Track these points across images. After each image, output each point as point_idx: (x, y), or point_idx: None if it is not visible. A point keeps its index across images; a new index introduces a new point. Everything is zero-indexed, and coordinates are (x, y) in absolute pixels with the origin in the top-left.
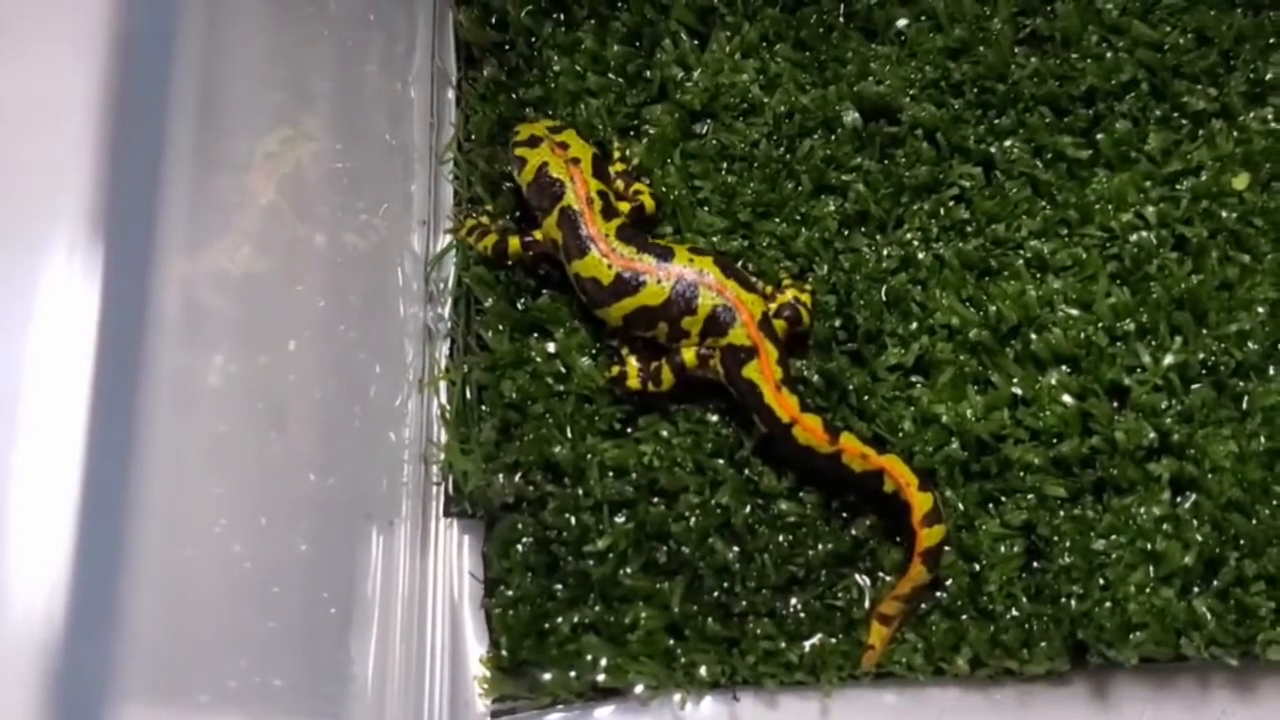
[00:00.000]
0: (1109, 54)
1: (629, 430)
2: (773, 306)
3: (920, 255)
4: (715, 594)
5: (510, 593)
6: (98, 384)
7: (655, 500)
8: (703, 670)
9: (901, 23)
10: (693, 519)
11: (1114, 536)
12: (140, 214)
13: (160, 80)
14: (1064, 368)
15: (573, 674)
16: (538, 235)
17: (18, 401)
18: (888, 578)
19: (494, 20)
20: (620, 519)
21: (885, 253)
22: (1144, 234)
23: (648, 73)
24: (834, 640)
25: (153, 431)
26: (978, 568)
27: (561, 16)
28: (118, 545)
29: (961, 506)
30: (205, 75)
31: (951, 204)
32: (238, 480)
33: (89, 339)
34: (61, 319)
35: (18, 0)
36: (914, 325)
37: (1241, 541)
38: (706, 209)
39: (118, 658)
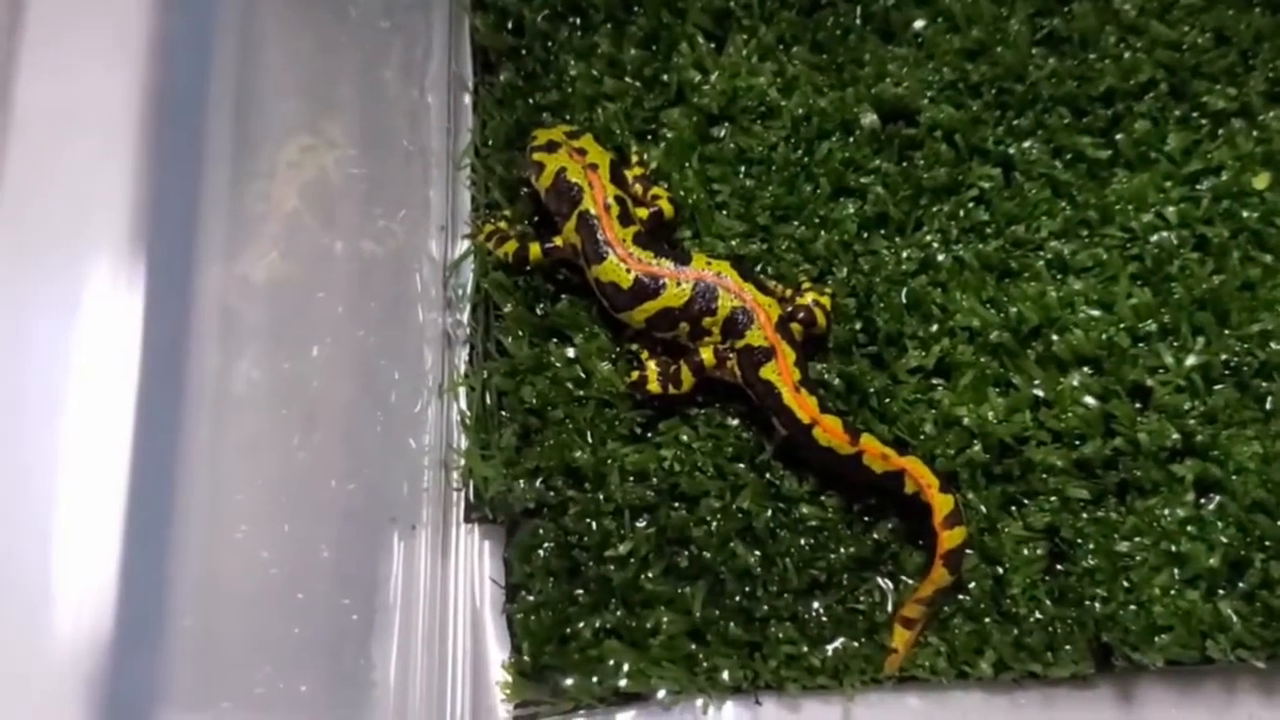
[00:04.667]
0: (1127, 54)
1: (649, 435)
2: (789, 309)
3: (940, 257)
4: (737, 598)
5: (532, 598)
6: (142, 393)
7: (676, 505)
8: (725, 675)
9: (919, 24)
10: (714, 523)
11: (1138, 538)
12: (181, 222)
13: (199, 90)
14: (1086, 369)
15: (595, 679)
16: (558, 241)
17: (62, 413)
18: (910, 581)
19: (510, 25)
20: (641, 524)
21: (905, 255)
22: (1165, 234)
23: (665, 76)
24: (856, 644)
25: (193, 441)
26: (1001, 570)
27: (578, 21)
28: (161, 555)
29: (984, 509)
30: (239, 84)
31: (971, 205)
32: (264, 487)
33: (134, 346)
34: (106, 326)
35: (60, 13)
36: (934, 327)
37: (1267, 543)
38: (725, 212)
39: (161, 668)
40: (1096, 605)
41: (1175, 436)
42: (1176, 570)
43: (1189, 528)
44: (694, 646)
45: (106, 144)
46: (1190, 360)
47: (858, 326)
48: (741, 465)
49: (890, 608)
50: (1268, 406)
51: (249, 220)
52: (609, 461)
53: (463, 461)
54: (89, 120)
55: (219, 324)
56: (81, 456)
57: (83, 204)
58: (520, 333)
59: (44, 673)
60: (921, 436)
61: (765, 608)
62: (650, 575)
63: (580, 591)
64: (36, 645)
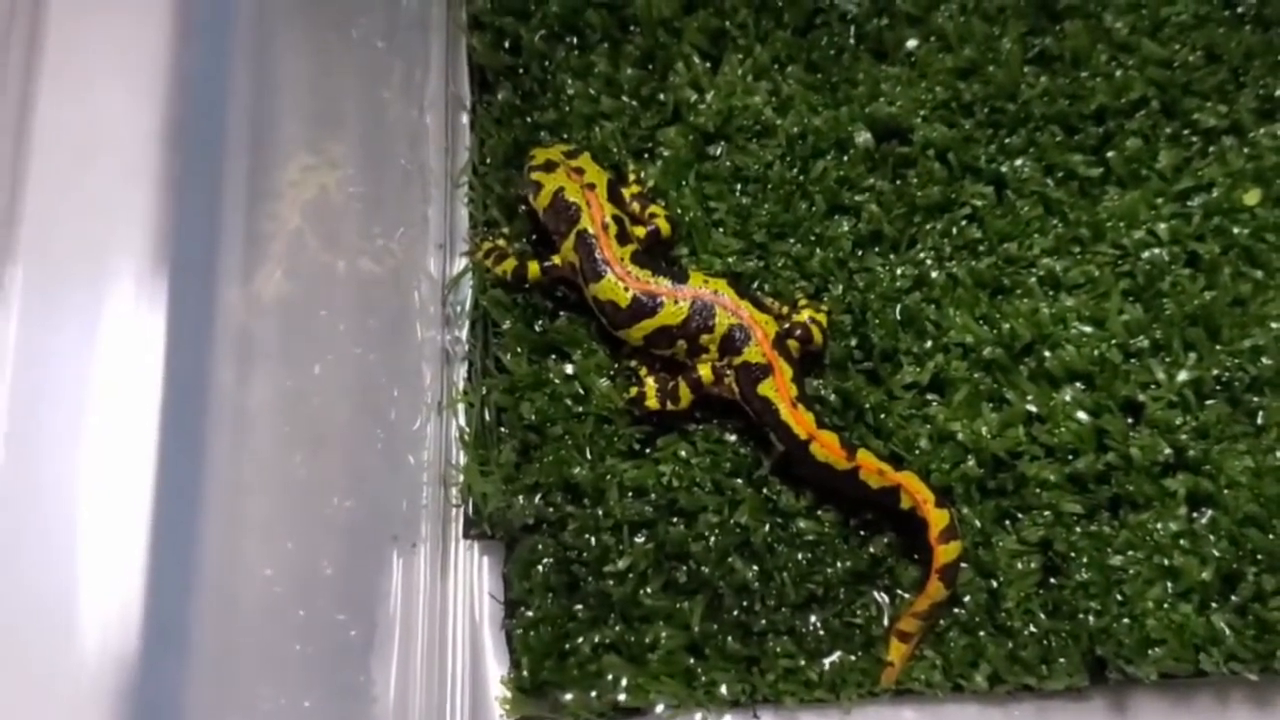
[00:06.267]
0: (1119, 72)
1: (648, 451)
2: (786, 326)
3: (934, 274)
4: (735, 613)
5: (531, 613)
6: (165, 412)
7: (675, 520)
8: (723, 689)
9: (911, 44)
10: (712, 538)
11: (1131, 552)
12: (201, 244)
13: (217, 114)
14: (1078, 384)
15: (594, 694)
16: (556, 260)
17: (85, 434)
18: (906, 595)
19: (507, 45)
20: (640, 539)
21: (899, 272)
22: (1156, 251)
23: (661, 95)
24: (853, 658)
25: (213, 458)
26: (995, 584)
27: (574, 40)
28: (184, 570)
29: (978, 523)
30: (254, 108)
31: (964, 223)
32: (269, 504)
33: (156, 366)
34: (128, 347)
35: (79, 34)
36: (929, 344)
37: (1259, 557)
38: (721, 230)
39: (180, 684)
40: (1090, 618)
41: (1167, 451)
42: (1169, 584)
43: (1181, 541)
44: (692, 661)
45: (127, 164)
46: (1182, 375)
47: (853, 343)
48: (739, 481)
49: (886, 621)
50: (1259, 421)
51: (259, 240)
52: (608, 477)
53: (462, 478)
54: (109, 141)
55: (235, 343)
56: (105, 475)
57: (105, 223)
58: (519, 349)
59: (70, 689)
60: (916, 451)
61: (763, 622)
62: (649, 590)
63: (579, 607)
64: (62, 660)
